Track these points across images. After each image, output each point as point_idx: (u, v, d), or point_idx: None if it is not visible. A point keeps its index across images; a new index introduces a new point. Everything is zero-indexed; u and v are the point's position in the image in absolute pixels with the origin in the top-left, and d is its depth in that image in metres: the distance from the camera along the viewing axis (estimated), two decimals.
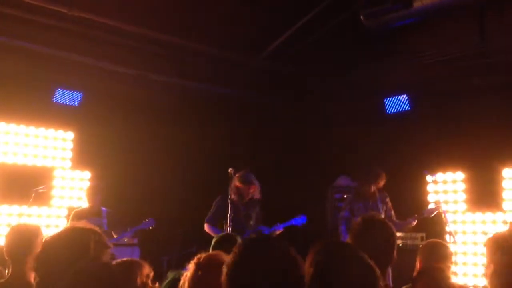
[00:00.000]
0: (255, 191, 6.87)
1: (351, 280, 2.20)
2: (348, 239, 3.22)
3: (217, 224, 6.79)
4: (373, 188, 7.11)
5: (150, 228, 7.24)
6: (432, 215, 7.10)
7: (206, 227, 6.76)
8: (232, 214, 6.39)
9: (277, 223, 6.77)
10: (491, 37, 7.21)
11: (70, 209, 7.40)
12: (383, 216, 7.06)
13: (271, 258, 2.09)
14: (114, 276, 2.49)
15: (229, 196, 6.54)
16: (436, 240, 4.89)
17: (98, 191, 7.17)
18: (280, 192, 8.36)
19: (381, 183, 7.12)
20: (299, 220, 6.91)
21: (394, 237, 3.17)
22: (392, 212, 7.19)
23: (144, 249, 7.50)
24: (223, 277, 2.12)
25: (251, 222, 6.78)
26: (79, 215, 6.73)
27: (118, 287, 2.51)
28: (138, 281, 3.12)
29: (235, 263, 2.10)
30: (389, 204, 7.21)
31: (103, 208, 7.13)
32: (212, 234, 6.57)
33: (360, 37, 7.76)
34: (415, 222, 7.06)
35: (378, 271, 2.27)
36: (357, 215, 6.91)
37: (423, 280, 3.48)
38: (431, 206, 7.47)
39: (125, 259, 3.41)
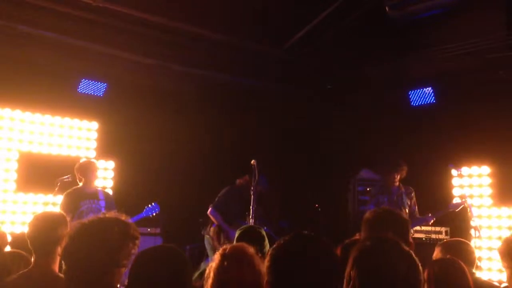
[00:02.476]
0: (262, 188, 7.02)
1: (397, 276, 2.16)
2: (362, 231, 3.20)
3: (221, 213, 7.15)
4: (396, 178, 7.07)
5: (154, 215, 7.02)
6: (458, 210, 7.02)
7: (211, 212, 7.15)
8: (255, 206, 6.40)
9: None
10: None
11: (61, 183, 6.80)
12: (407, 210, 7.02)
13: (316, 253, 2.11)
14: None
15: (252, 188, 6.53)
16: (459, 240, 4.67)
17: (94, 169, 6.70)
18: (303, 183, 8.34)
19: (404, 172, 7.08)
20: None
21: (408, 227, 3.14)
22: (416, 208, 7.14)
23: (167, 238, 7.56)
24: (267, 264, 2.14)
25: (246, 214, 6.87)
26: (72, 196, 6.38)
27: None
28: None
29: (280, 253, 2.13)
30: (414, 199, 7.17)
31: (99, 189, 6.80)
32: (214, 220, 7.17)
33: (385, 29, 7.66)
34: (432, 221, 7.02)
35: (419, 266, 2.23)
36: None
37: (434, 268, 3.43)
38: (456, 200, 7.39)
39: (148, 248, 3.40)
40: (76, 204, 6.29)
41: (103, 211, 6.06)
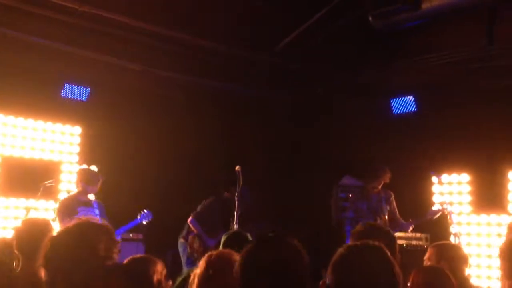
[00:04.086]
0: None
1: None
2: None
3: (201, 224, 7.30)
4: (378, 185, 7.12)
5: (146, 222, 7.13)
6: (436, 217, 7.10)
7: (191, 221, 7.35)
8: (239, 212, 6.42)
9: None
10: (499, 40, 7.21)
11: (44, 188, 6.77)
12: (386, 216, 7.09)
13: (281, 254, 2.17)
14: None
15: (236, 194, 6.54)
16: (450, 242, 4.75)
17: (92, 178, 6.75)
18: (285, 190, 8.39)
19: (387, 179, 7.12)
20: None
21: (394, 241, 3.20)
22: (397, 212, 7.20)
23: (149, 244, 7.55)
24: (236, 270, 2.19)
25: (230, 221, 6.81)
26: (69, 201, 6.46)
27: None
28: (154, 278, 3.14)
29: (246, 259, 2.20)
30: (393, 203, 7.21)
31: (93, 199, 6.81)
32: (194, 230, 7.34)
33: (368, 38, 7.77)
34: (411, 227, 7.09)
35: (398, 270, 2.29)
36: (360, 216, 6.95)
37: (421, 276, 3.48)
38: (435, 207, 7.48)
39: (140, 255, 3.43)
40: (74, 209, 6.29)
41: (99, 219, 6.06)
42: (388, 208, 7.15)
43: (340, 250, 2.29)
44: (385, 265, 2.23)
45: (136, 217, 7.12)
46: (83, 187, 6.63)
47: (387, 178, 7.16)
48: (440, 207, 7.21)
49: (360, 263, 2.21)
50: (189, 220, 7.37)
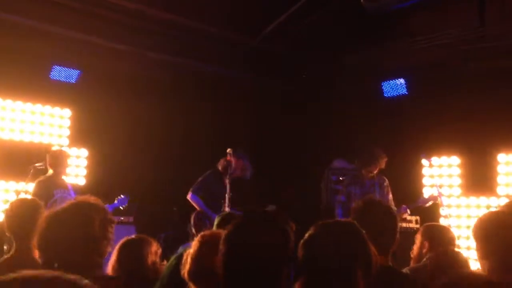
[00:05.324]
0: (242, 169, 6.84)
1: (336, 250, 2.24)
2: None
3: (200, 196, 6.77)
4: (373, 170, 7.02)
5: (122, 207, 7.07)
6: (427, 205, 7.06)
7: (191, 197, 6.77)
8: (231, 193, 6.34)
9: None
10: (491, 22, 7.20)
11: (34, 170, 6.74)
12: None
13: (265, 232, 2.14)
14: None
15: (227, 176, 6.51)
16: (439, 223, 4.82)
17: (65, 160, 6.75)
18: (277, 174, 8.38)
19: (383, 164, 7.01)
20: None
21: (395, 220, 3.17)
22: (390, 197, 7.08)
23: (140, 227, 7.53)
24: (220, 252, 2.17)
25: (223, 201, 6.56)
26: (45, 184, 6.41)
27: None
28: (149, 259, 3.14)
29: (229, 238, 2.17)
30: (387, 189, 7.10)
31: (66, 179, 6.80)
32: (195, 205, 6.71)
33: (359, 20, 7.72)
34: (406, 212, 6.99)
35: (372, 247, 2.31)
36: (353, 200, 6.88)
37: (443, 260, 3.52)
38: (426, 195, 7.46)
39: (133, 236, 3.43)
40: (50, 192, 6.24)
41: None
42: (381, 193, 7.02)
43: (311, 228, 2.31)
44: (353, 239, 2.27)
45: (114, 202, 7.06)
46: (54, 170, 6.56)
47: (383, 163, 7.04)
48: (431, 195, 7.19)
49: (328, 239, 2.26)
50: (188, 196, 6.82)
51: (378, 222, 3.01)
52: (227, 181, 6.45)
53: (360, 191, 6.98)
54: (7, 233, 3.45)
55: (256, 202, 6.88)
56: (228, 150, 6.54)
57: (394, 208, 6.79)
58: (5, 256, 3.32)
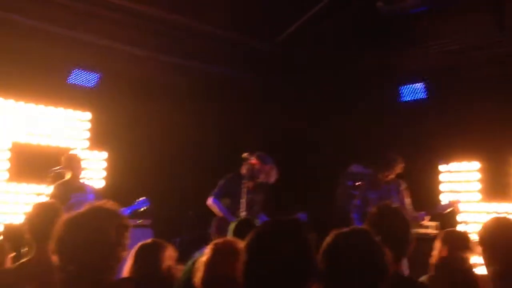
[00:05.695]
0: (269, 174, 6.59)
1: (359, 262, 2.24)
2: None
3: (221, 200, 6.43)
4: (389, 175, 6.92)
5: (143, 209, 6.98)
6: (446, 212, 6.92)
7: (211, 202, 6.36)
8: (250, 198, 6.19)
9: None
10: (509, 26, 7.13)
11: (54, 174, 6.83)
12: None
13: (287, 241, 2.12)
14: None
15: (244, 182, 6.39)
16: (459, 230, 4.72)
17: (78, 163, 6.79)
18: (292, 179, 8.36)
19: (399, 169, 6.89)
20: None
21: (409, 227, 3.15)
22: (408, 201, 6.88)
23: (156, 231, 7.57)
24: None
25: (255, 208, 6.41)
26: (63, 187, 6.46)
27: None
28: (164, 263, 3.15)
29: (251, 247, 2.15)
30: (404, 193, 6.93)
31: (85, 182, 6.90)
32: (216, 211, 6.33)
33: (377, 24, 7.70)
34: (427, 219, 6.83)
35: (388, 255, 2.31)
36: (370, 205, 6.79)
37: (447, 268, 3.47)
38: (445, 202, 7.37)
39: (149, 241, 3.44)
40: (67, 195, 6.31)
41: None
42: (399, 197, 6.92)
43: (327, 238, 2.31)
44: (371, 248, 2.27)
45: (133, 204, 7.05)
46: (71, 171, 6.66)
47: (399, 168, 6.96)
48: (451, 200, 7.08)
49: (346, 248, 2.25)
50: (209, 201, 6.40)
51: (392, 230, 2.99)
52: (248, 185, 6.27)
53: (376, 196, 6.88)
54: (27, 236, 3.48)
55: (278, 208, 6.83)
56: (245, 154, 6.46)
57: (414, 213, 6.77)
58: (24, 259, 3.35)
